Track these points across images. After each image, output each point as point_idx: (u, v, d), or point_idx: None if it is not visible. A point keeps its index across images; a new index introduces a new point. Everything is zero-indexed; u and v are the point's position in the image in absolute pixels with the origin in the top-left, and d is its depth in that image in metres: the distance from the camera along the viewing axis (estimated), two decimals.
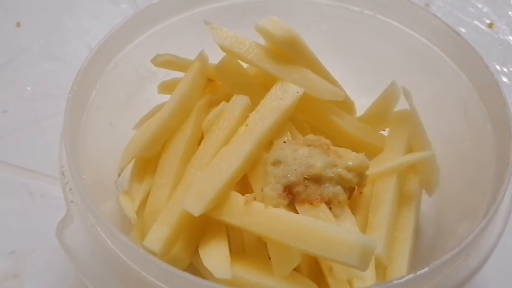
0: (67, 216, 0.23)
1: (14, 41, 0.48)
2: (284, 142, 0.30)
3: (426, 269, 0.21)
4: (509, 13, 0.50)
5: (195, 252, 0.28)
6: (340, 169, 0.29)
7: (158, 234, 0.27)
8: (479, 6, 0.50)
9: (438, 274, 0.22)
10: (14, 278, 0.32)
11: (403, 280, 0.21)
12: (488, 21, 0.49)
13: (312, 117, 0.33)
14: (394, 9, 0.32)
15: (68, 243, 0.22)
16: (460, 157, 0.29)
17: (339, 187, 0.28)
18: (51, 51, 0.47)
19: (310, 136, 0.31)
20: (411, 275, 0.22)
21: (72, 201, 0.23)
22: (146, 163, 0.31)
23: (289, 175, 0.28)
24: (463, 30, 0.48)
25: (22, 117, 0.42)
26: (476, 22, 0.49)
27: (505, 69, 0.44)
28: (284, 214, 0.26)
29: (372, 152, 0.33)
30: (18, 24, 0.49)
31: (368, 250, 0.22)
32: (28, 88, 0.44)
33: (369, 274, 0.25)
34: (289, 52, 0.32)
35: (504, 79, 0.44)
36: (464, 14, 0.49)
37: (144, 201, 0.30)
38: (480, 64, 0.27)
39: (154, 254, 0.26)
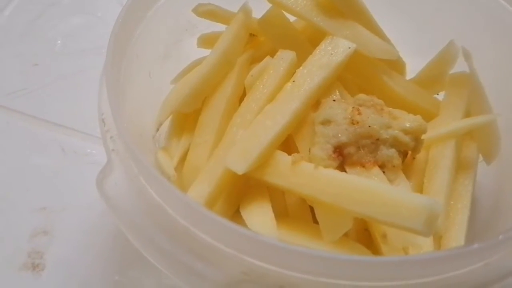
0: (107, 166, 0.21)
1: None
2: (334, 100, 0.28)
3: (500, 237, 0.19)
4: None
5: (235, 213, 0.27)
6: (396, 131, 0.27)
7: (200, 191, 0.25)
8: None
9: (503, 248, 0.20)
10: (44, 235, 0.31)
11: (466, 249, 0.20)
12: None
13: (361, 77, 0.31)
14: None
15: (109, 193, 0.20)
16: None
17: (393, 150, 0.26)
18: (81, 4, 0.45)
19: (362, 96, 0.28)
20: (479, 244, 0.20)
21: (113, 150, 0.21)
22: (185, 119, 0.30)
23: (339, 135, 0.26)
24: None
25: (53, 71, 0.40)
26: None
27: None
28: (336, 174, 0.24)
29: (425, 117, 0.30)
30: None
31: (434, 215, 0.20)
32: (59, 42, 0.42)
33: (426, 242, 0.23)
34: (340, 6, 0.30)
35: None
36: None
37: (183, 158, 0.28)
38: None
39: None
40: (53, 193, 0.33)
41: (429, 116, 0.31)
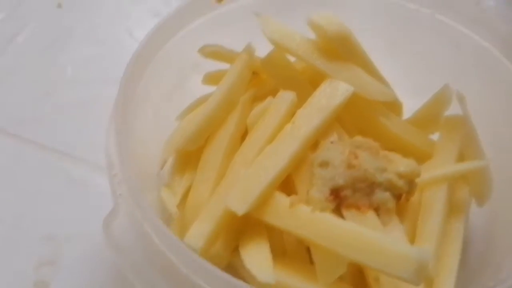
0: (114, 210, 0.22)
1: (55, 23, 0.48)
2: (331, 142, 0.29)
3: None
4: None
5: (234, 252, 0.28)
6: (390, 175, 0.28)
7: (200, 230, 0.26)
8: None
9: None
10: (49, 265, 0.32)
11: None
12: None
13: (359, 117, 0.32)
14: (454, 9, 0.30)
15: (115, 236, 0.21)
16: None
17: (388, 193, 0.27)
18: (93, 34, 0.47)
19: (358, 138, 0.29)
20: None
21: (120, 194, 0.22)
22: (188, 157, 0.31)
23: (337, 178, 0.27)
24: None
25: (64, 100, 0.42)
26: None
27: None
28: (332, 219, 0.25)
29: (420, 157, 0.32)
30: (59, 5, 0.49)
31: (423, 264, 0.21)
32: (69, 71, 0.44)
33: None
34: (340, 49, 0.31)
35: None
36: None
37: (185, 195, 0.29)
38: None
39: (195, 251, 0.26)
40: (60, 222, 0.34)
41: (424, 156, 0.32)
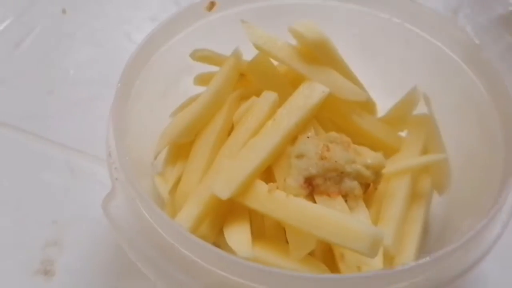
0: (111, 192, 0.26)
1: (59, 27, 0.51)
2: (308, 137, 0.32)
3: (427, 258, 0.23)
4: None
5: (219, 232, 0.31)
6: (358, 166, 0.31)
7: (189, 213, 0.30)
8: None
9: (438, 264, 0.25)
10: (54, 245, 0.36)
11: (405, 267, 0.24)
12: None
13: (335, 115, 0.35)
14: (421, 19, 0.34)
15: (113, 215, 0.25)
16: (470, 162, 0.31)
17: (356, 182, 0.31)
18: (92, 38, 0.50)
19: (332, 133, 0.33)
20: (413, 263, 0.24)
21: (116, 179, 0.26)
22: (180, 149, 0.34)
23: (310, 168, 0.31)
24: (487, 37, 0.49)
25: (66, 98, 0.45)
26: None
27: None
28: (303, 203, 0.28)
29: (389, 151, 0.35)
30: (63, 11, 0.53)
31: (377, 240, 0.25)
32: (71, 71, 0.47)
33: (377, 262, 0.27)
34: (318, 54, 0.34)
35: None
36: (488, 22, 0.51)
37: (176, 183, 0.33)
38: (497, 76, 0.29)
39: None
40: (63, 207, 0.38)
41: (392, 150, 0.35)
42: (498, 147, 0.28)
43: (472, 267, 0.25)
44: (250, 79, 0.37)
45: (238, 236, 0.29)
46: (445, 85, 0.34)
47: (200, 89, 0.36)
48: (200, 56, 0.35)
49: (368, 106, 0.37)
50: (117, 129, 0.27)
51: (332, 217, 0.26)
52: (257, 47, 0.34)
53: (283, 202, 0.29)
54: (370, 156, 0.32)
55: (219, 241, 0.31)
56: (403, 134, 0.37)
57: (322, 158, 0.31)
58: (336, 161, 0.31)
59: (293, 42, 0.35)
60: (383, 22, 0.35)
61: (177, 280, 0.24)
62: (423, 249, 0.31)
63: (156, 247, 0.25)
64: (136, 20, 0.52)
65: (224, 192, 0.29)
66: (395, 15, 0.35)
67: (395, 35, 0.35)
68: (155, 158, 0.33)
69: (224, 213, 0.31)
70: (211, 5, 0.35)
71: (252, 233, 0.31)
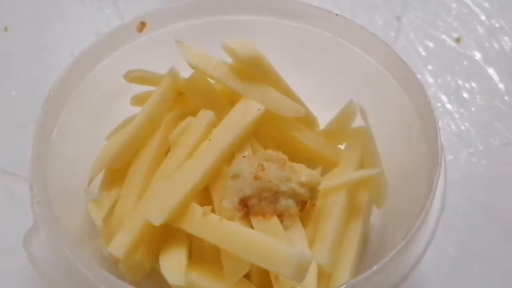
0: (33, 227, 0.25)
1: (0, 46, 0.50)
2: (244, 156, 0.32)
3: (357, 279, 0.24)
4: (477, 27, 0.52)
5: (157, 258, 0.31)
6: (293, 184, 0.31)
7: (122, 241, 0.29)
8: (449, 20, 0.52)
9: (368, 282, 0.25)
10: None
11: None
12: (456, 36, 0.51)
13: (274, 131, 0.35)
14: (351, 34, 0.34)
15: (33, 252, 0.24)
16: (403, 174, 0.32)
17: (291, 200, 0.31)
18: (36, 56, 0.49)
19: (269, 151, 0.33)
20: (344, 285, 0.24)
21: (38, 214, 0.25)
22: (116, 173, 0.34)
23: (245, 189, 0.30)
24: (431, 44, 0.50)
25: (7, 120, 0.44)
26: (444, 37, 0.51)
27: (467, 85, 0.47)
28: (234, 226, 0.28)
29: (329, 165, 0.35)
30: (5, 29, 0.51)
31: (303, 264, 0.25)
32: (13, 93, 0.46)
33: (311, 284, 0.27)
34: (253, 71, 0.34)
35: (465, 95, 0.46)
36: (433, 28, 0.51)
37: (112, 209, 0.32)
38: (421, 91, 0.30)
39: (118, 259, 0.29)
40: (2, 235, 0.37)
41: (331, 164, 0.35)
42: (423, 161, 0.28)
43: (403, 280, 0.26)
44: (189, 97, 0.36)
45: (173, 262, 0.29)
46: (377, 99, 0.34)
47: (138, 110, 0.35)
48: (134, 76, 0.35)
49: (308, 120, 0.37)
50: (37, 160, 0.26)
51: (260, 241, 0.26)
52: (191, 66, 0.34)
53: (216, 226, 0.28)
54: (305, 174, 0.32)
55: (157, 266, 0.31)
56: (342, 147, 0.37)
57: (257, 178, 0.31)
58: (270, 181, 0.31)
59: (229, 59, 0.34)
60: (316, 36, 0.35)
61: None
62: (362, 261, 0.32)
63: None
64: (80, 36, 0.51)
65: (157, 217, 0.29)
66: (326, 29, 0.35)
67: (328, 49, 0.36)
68: (89, 184, 0.33)
69: (161, 237, 0.31)
70: (142, 26, 0.34)
71: (191, 256, 0.31)
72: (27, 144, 0.41)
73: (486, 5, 0.53)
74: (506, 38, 0.51)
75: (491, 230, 0.38)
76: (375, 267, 0.25)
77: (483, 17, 0.52)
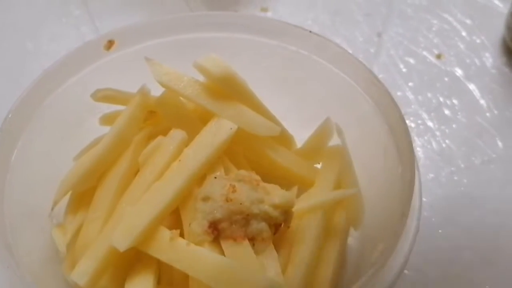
0: None
1: None
2: (215, 178, 0.31)
3: None
4: (458, 43, 0.51)
5: (123, 284, 0.29)
6: (266, 206, 0.30)
7: (85, 267, 0.28)
8: (430, 36, 0.52)
9: None
10: None
11: None
12: (436, 52, 0.50)
13: (248, 150, 0.34)
14: (326, 52, 0.33)
15: None
16: (378, 194, 0.31)
17: (263, 223, 0.30)
18: (8, 72, 0.48)
19: (242, 172, 0.32)
20: None
21: None
22: (82, 196, 0.32)
23: (215, 212, 0.29)
24: (411, 61, 0.49)
25: None
26: (425, 53, 0.50)
27: (448, 102, 0.46)
28: (203, 252, 0.27)
29: (306, 185, 0.34)
30: None
31: None
32: None
33: None
34: (226, 89, 0.33)
35: (446, 112, 0.45)
36: (414, 44, 0.51)
37: (77, 234, 0.31)
38: (395, 111, 0.29)
39: (80, 287, 0.27)
40: None
41: (308, 184, 0.34)
42: (398, 181, 0.27)
43: None
44: (161, 116, 0.35)
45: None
46: (353, 118, 0.33)
47: (108, 130, 0.34)
48: (102, 96, 0.34)
49: (283, 139, 0.36)
50: None
51: (230, 269, 0.25)
52: (162, 84, 0.33)
53: (184, 251, 0.27)
54: (278, 195, 0.30)
55: None
56: (319, 166, 0.36)
57: (228, 200, 0.30)
58: (241, 203, 0.29)
59: (201, 78, 0.33)
60: (292, 54, 0.35)
61: None
62: (339, 284, 0.30)
63: None
64: (55, 54, 0.50)
65: (123, 242, 0.28)
66: (301, 47, 0.34)
67: (304, 66, 0.35)
68: (52, 208, 0.31)
69: (128, 263, 0.30)
70: (110, 44, 0.33)
71: (160, 282, 0.30)
72: None
73: (467, 21, 0.53)
74: (487, 54, 0.50)
75: (473, 250, 0.37)
76: None
77: (464, 33, 0.52)
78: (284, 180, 0.34)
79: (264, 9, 0.54)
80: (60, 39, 0.52)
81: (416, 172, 0.27)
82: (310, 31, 0.33)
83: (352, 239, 0.33)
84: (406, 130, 0.27)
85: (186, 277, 0.29)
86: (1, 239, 0.24)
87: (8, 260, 0.23)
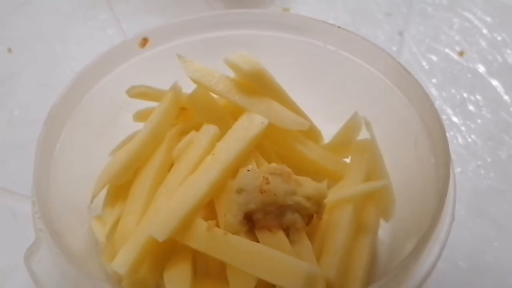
0: (34, 243, 0.24)
1: (4, 67, 0.50)
2: (248, 170, 0.32)
3: None
4: (480, 41, 0.52)
5: (162, 273, 0.30)
6: (299, 198, 0.30)
7: (125, 257, 0.29)
8: (451, 34, 0.52)
9: None
10: None
11: None
12: (459, 49, 0.51)
13: (278, 145, 0.35)
14: (354, 46, 0.34)
15: (35, 269, 0.24)
16: (410, 187, 0.31)
17: (297, 214, 0.30)
18: (39, 76, 0.49)
19: (273, 165, 0.32)
20: None
21: (40, 229, 0.25)
22: (119, 189, 0.33)
23: (249, 203, 0.30)
24: (434, 58, 0.50)
25: (10, 140, 0.44)
26: (447, 50, 0.51)
27: (472, 98, 0.46)
28: (240, 241, 0.27)
29: (335, 178, 0.35)
30: (9, 50, 0.52)
31: (311, 277, 0.24)
32: (16, 112, 0.46)
33: None
34: (256, 84, 0.34)
35: (471, 107, 0.45)
36: (436, 42, 0.51)
37: (115, 226, 0.32)
38: (426, 102, 0.29)
39: (121, 276, 0.28)
40: (5, 255, 0.36)
41: (337, 178, 0.35)
42: (431, 172, 0.28)
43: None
44: (192, 112, 0.36)
45: (177, 279, 0.28)
46: (382, 111, 0.34)
47: (141, 126, 0.35)
48: (137, 92, 0.35)
49: (312, 133, 0.36)
50: (39, 175, 0.26)
51: (266, 255, 0.26)
52: (194, 81, 0.34)
53: (220, 241, 0.28)
54: (311, 187, 0.31)
55: (161, 283, 0.30)
56: (348, 160, 0.36)
57: (262, 191, 0.30)
58: (275, 194, 0.30)
59: (231, 74, 0.34)
60: (319, 50, 0.35)
61: None
62: (372, 275, 0.31)
63: None
64: (82, 55, 0.51)
65: (161, 233, 0.28)
66: (328, 42, 0.35)
67: (331, 61, 0.35)
68: (92, 201, 0.32)
69: (165, 253, 0.30)
70: (144, 42, 0.34)
71: (196, 272, 0.30)
72: (29, 164, 0.42)
73: (488, 19, 0.54)
74: (508, 51, 0.51)
75: (502, 242, 0.37)
76: (384, 280, 0.24)
77: (485, 31, 0.52)
78: (313, 175, 0.34)
79: (286, 9, 0.55)
80: (87, 42, 0.53)
81: (450, 163, 0.27)
82: (339, 27, 0.33)
83: (383, 231, 0.33)
84: (439, 119, 0.28)
85: (221, 267, 0.30)
86: (50, 227, 0.24)
87: (58, 246, 0.24)
